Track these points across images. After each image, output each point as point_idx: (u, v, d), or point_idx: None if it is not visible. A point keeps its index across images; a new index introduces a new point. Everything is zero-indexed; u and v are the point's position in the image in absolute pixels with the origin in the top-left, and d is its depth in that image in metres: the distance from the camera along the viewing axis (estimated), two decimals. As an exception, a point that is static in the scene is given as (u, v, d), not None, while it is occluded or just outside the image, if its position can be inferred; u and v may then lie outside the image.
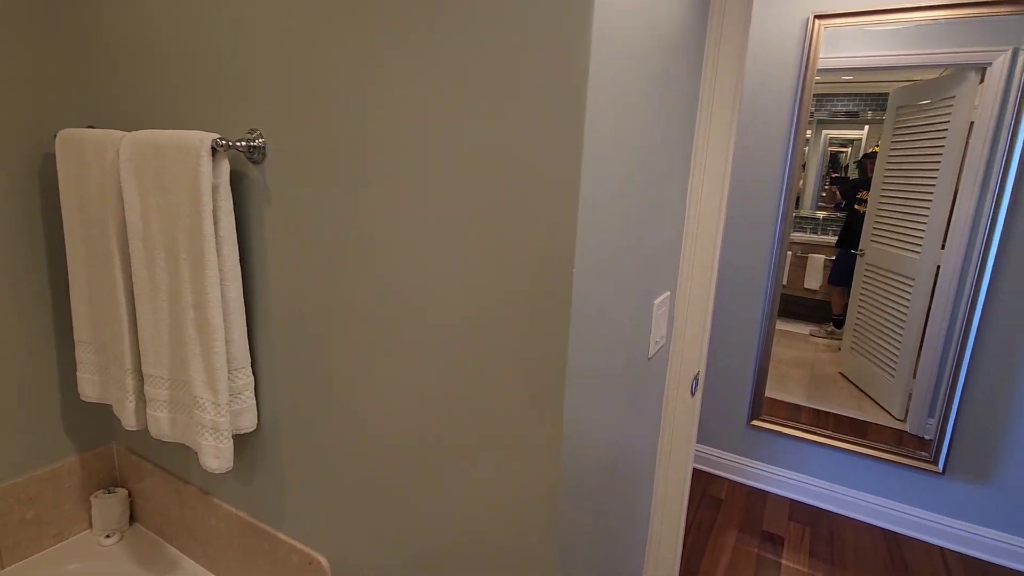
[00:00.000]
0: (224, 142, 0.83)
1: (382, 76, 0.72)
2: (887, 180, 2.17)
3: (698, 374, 1.21)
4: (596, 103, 0.62)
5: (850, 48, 1.99)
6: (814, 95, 2.07)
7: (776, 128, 2.12)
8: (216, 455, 0.92)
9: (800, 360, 2.50)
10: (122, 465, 1.32)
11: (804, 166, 2.25)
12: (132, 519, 1.33)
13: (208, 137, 0.83)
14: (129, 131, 0.94)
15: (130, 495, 1.32)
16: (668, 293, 1.05)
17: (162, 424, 0.98)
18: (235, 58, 0.87)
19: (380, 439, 0.86)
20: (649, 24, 0.74)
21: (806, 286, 2.48)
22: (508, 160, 0.65)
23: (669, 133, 0.91)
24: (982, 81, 1.86)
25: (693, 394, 1.22)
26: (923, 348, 2.10)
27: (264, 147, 0.86)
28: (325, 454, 0.94)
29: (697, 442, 2.55)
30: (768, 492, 2.37)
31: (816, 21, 1.95)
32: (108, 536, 1.26)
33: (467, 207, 0.69)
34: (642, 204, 0.84)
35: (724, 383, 2.42)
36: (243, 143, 0.85)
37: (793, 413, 2.38)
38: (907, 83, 2.05)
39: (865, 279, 2.31)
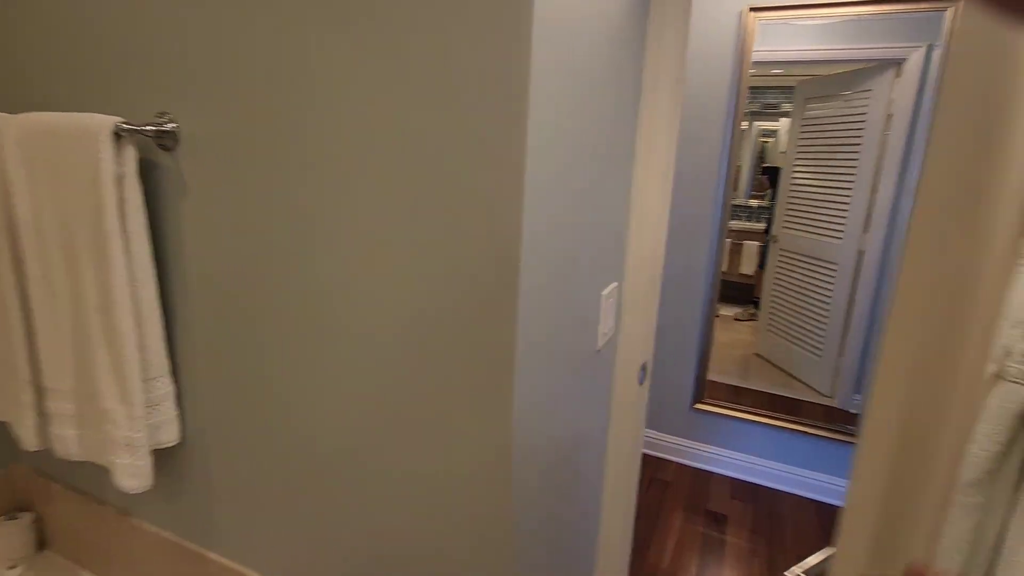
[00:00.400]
0: (128, 127, 0.74)
1: (316, 54, 0.66)
2: (797, 169, 2.26)
3: (645, 364, 1.22)
4: (539, 87, 0.59)
5: (781, 42, 2.05)
6: (748, 87, 2.13)
7: (715, 119, 2.17)
8: (132, 474, 0.84)
9: (737, 342, 2.60)
10: (27, 487, 1.19)
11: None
12: (43, 545, 1.21)
13: (109, 121, 0.74)
14: (15, 114, 0.83)
15: (39, 520, 1.19)
16: (615, 284, 1.04)
17: (68, 442, 0.88)
18: (141, 32, 0.77)
19: (321, 443, 0.81)
20: (592, 13, 0.71)
21: (742, 271, 2.57)
22: (452, 149, 0.61)
23: (613, 122, 0.89)
24: (898, 75, 1.96)
25: (641, 383, 1.23)
26: (849, 328, 2.22)
27: (176, 132, 0.78)
28: (260, 464, 0.87)
29: (645, 427, 2.61)
30: (712, 472, 2.46)
31: (751, 13, 2.00)
32: (12, 567, 1.14)
33: (410, 198, 0.65)
34: (588, 194, 0.82)
35: (669, 368, 2.48)
36: (151, 128, 0.76)
37: (732, 394, 2.47)
38: (811, 77, 2.14)
39: (780, 264, 2.41)
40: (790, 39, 2.04)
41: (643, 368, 1.21)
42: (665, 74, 1.04)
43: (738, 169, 2.29)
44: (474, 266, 0.63)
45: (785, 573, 0.67)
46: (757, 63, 2.09)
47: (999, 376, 0.55)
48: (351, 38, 0.63)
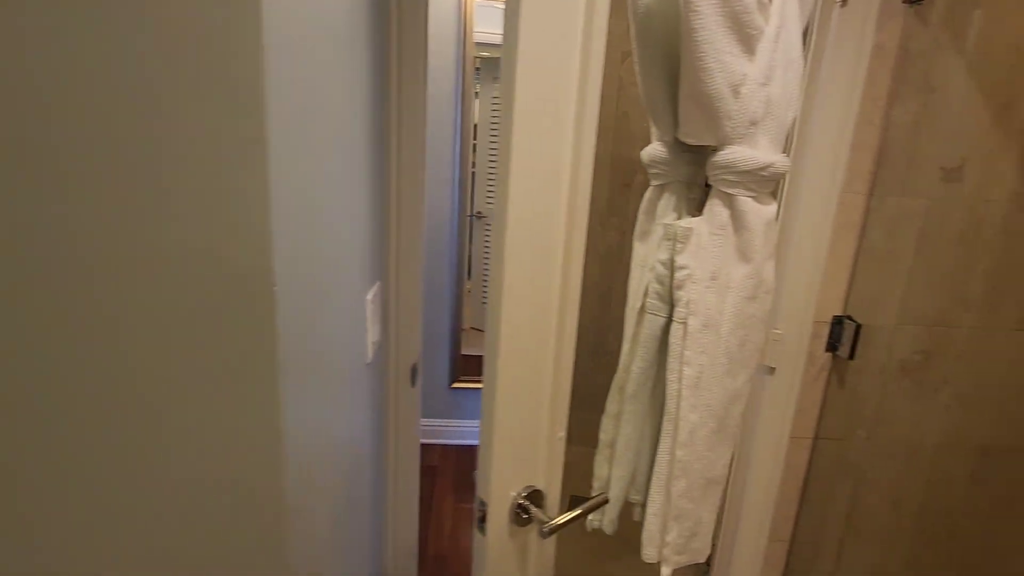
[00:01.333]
0: None
1: None
2: (492, 145, 2.45)
3: (416, 364, 1.13)
4: (277, 77, 0.42)
5: (494, 25, 2.13)
6: (475, 68, 2.16)
7: (446, 98, 2.15)
8: None
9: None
10: None
11: (465, 136, 2.36)
12: None
13: None
14: None
15: None
16: (378, 284, 0.91)
17: None
18: None
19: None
20: (328, 7, 0.55)
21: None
22: (179, 157, 0.39)
23: (360, 113, 0.74)
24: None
25: (414, 384, 1.13)
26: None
27: None
28: None
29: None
30: (474, 446, 2.54)
31: (468, -6, 2.01)
32: None
33: (125, 216, 0.40)
34: (341, 191, 0.67)
35: (426, 353, 2.44)
36: None
37: (479, 366, 2.57)
38: (494, 58, 2.31)
39: (487, 238, 2.59)
40: (497, 24, 2.14)
41: (414, 369, 1.12)
42: (410, 57, 0.94)
43: (474, 147, 2.34)
44: (219, 295, 0.43)
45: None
46: (478, 44, 2.13)
47: (643, 310, 0.67)
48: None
